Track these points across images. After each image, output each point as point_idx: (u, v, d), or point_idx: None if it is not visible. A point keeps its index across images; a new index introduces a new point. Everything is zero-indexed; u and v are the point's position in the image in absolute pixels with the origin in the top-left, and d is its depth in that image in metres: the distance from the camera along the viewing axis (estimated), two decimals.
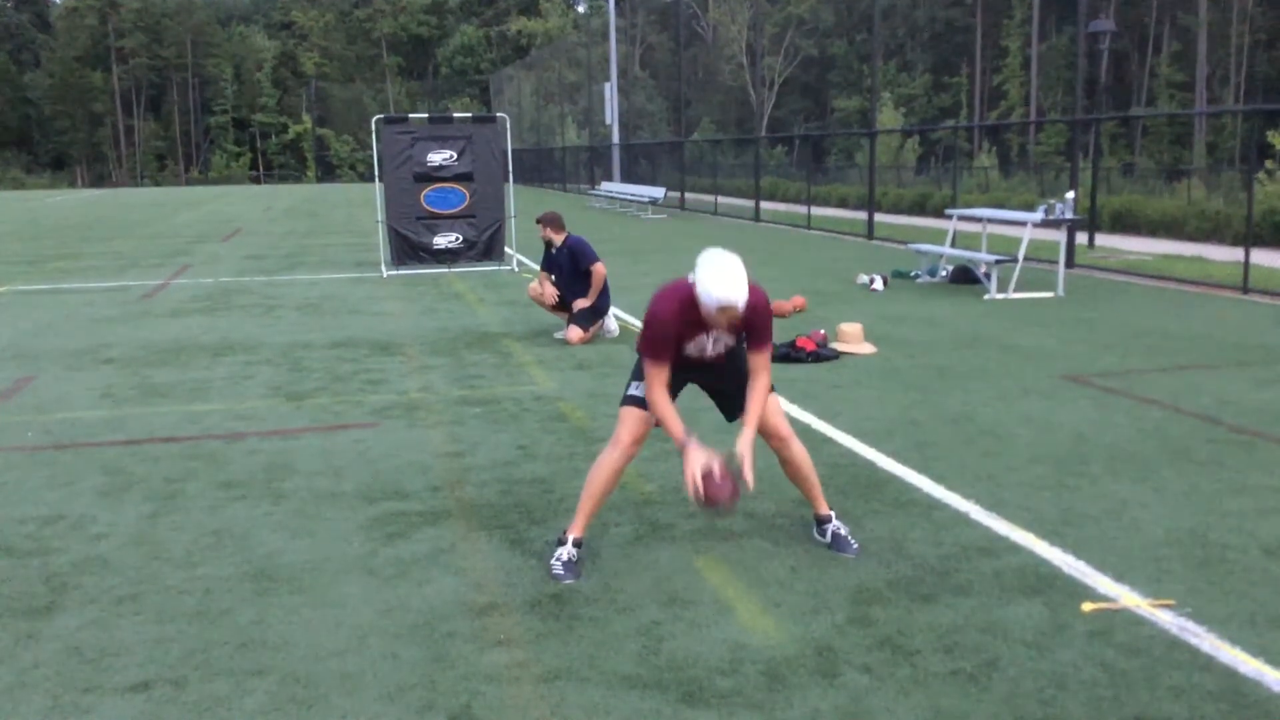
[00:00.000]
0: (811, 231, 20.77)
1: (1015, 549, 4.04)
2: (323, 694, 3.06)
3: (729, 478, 3.58)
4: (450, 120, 13.88)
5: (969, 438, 5.59)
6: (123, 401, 6.85)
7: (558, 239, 8.91)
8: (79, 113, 79.48)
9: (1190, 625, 3.37)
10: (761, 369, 3.82)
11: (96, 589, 3.83)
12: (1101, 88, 35.52)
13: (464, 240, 13.91)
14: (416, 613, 3.58)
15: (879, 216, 20.02)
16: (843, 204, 29.56)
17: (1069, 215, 11.24)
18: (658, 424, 3.81)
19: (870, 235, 18.80)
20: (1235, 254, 12.73)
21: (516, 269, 14.31)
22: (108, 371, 7.85)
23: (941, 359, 7.77)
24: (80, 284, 13.75)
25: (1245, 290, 11.12)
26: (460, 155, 13.66)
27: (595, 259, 8.76)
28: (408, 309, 10.90)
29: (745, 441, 3.71)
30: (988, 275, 11.12)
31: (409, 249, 13.79)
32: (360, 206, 33.12)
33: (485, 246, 14.03)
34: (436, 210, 13.74)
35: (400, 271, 13.92)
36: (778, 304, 10.05)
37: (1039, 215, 11.21)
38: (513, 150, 20.97)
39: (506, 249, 14.54)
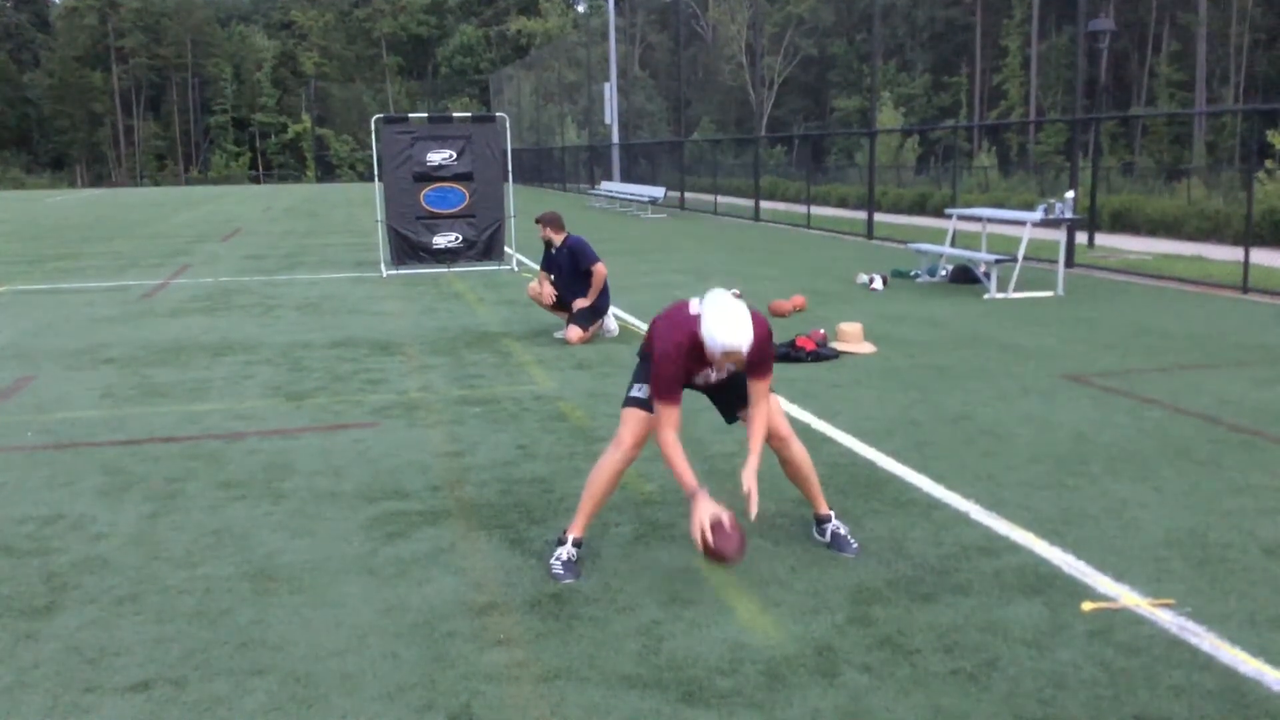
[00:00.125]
0: (811, 231, 20.77)
1: (1015, 548, 4.04)
2: (323, 693, 3.06)
3: (738, 529, 3.59)
4: (450, 120, 13.88)
5: (969, 437, 5.59)
6: (122, 401, 6.85)
7: (557, 239, 8.91)
8: (79, 113, 79.49)
9: (1190, 625, 3.38)
10: (762, 397, 3.84)
11: (96, 589, 3.83)
12: (1101, 87, 35.51)
13: (464, 240, 13.91)
14: (416, 612, 3.59)
15: (879, 216, 20.02)
16: (842, 204, 29.56)
17: (1069, 215, 11.24)
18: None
19: (870, 235, 18.80)
20: (1235, 253, 12.73)
21: (516, 269, 14.31)
22: (107, 371, 7.85)
23: (941, 358, 7.77)
24: (80, 284, 13.75)
25: (1245, 290, 11.12)
26: (460, 155, 13.66)
27: (596, 259, 8.76)
28: (407, 309, 10.90)
29: (750, 472, 3.73)
30: (987, 275, 11.12)
31: (409, 249, 13.79)
32: (360, 206, 33.12)
33: (485, 246, 14.03)
34: (436, 210, 13.74)
35: (400, 271, 13.92)
36: (777, 303, 10.06)
37: (1039, 215, 11.21)
38: (512, 150, 20.97)
39: (506, 249, 14.54)
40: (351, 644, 3.37)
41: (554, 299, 8.92)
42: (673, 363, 3.68)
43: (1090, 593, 3.64)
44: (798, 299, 10.28)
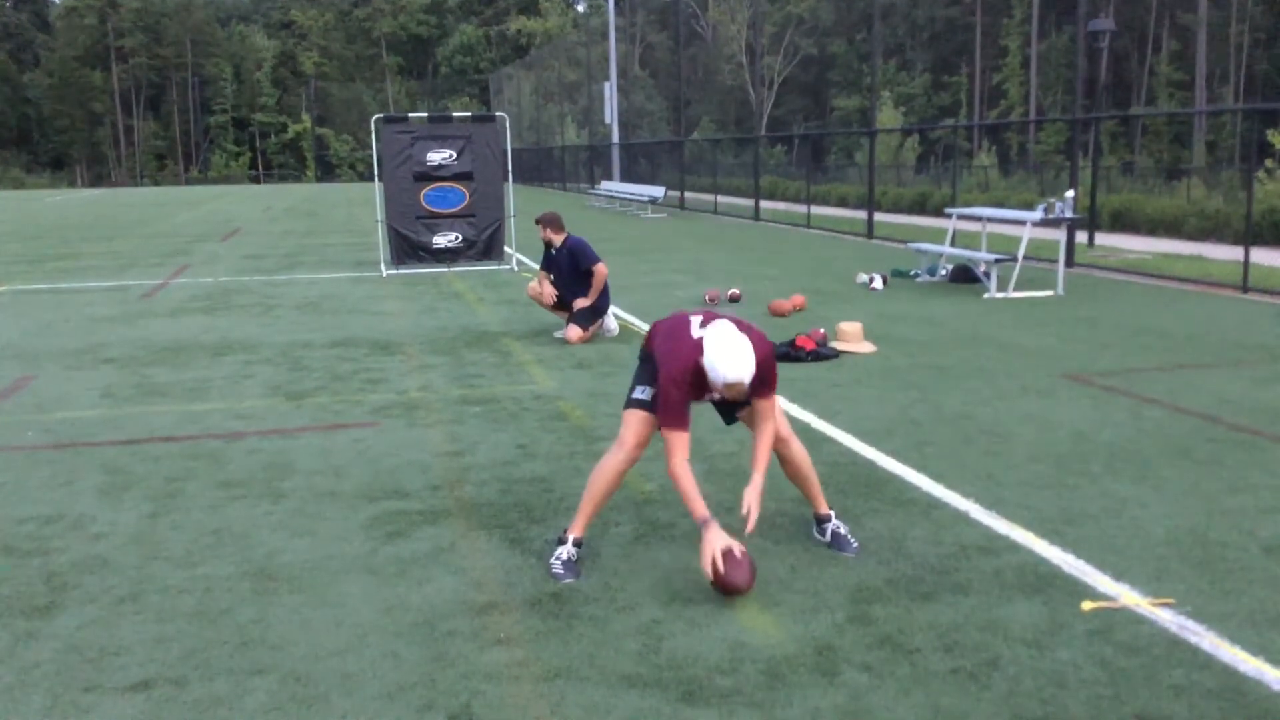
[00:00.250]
0: (811, 230, 20.77)
1: (1015, 548, 4.05)
2: (323, 693, 3.06)
3: (748, 559, 3.60)
4: (450, 119, 13.88)
5: (968, 436, 5.60)
6: (122, 401, 6.85)
7: (557, 239, 8.91)
8: (79, 112, 79.50)
9: (1190, 624, 3.38)
10: (767, 415, 3.85)
11: (96, 588, 3.83)
12: (1101, 87, 35.53)
13: (463, 239, 13.91)
14: (416, 612, 3.59)
15: (879, 215, 20.02)
16: (842, 203, 29.56)
17: (1068, 214, 11.24)
18: (659, 428, 3.81)
19: (870, 234, 18.80)
20: (1235, 253, 12.73)
21: (516, 268, 14.31)
22: (107, 371, 7.85)
23: (941, 358, 7.77)
24: (80, 283, 13.75)
25: (1245, 289, 11.12)
26: (460, 154, 13.66)
27: (596, 259, 8.76)
28: (407, 308, 10.90)
29: (754, 491, 3.74)
30: (987, 274, 11.12)
31: (409, 248, 13.79)
32: (360, 206, 33.12)
33: (485, 246, 14.03)
34: (436, 209, 13.74)
35: (400, 271, 13.92)
36: (777, 303, 10.05)
37: (1038, 214, 11.20)
38: (512, 149, 20.97)
39: (506, 248, 14.54)
40: (351, 643, 3.37)
41: (554, 298, 8.93)
42: (679, 389, 3.69)
43: (1090, 592, 3.64)
44: (797, 298, 10.28)
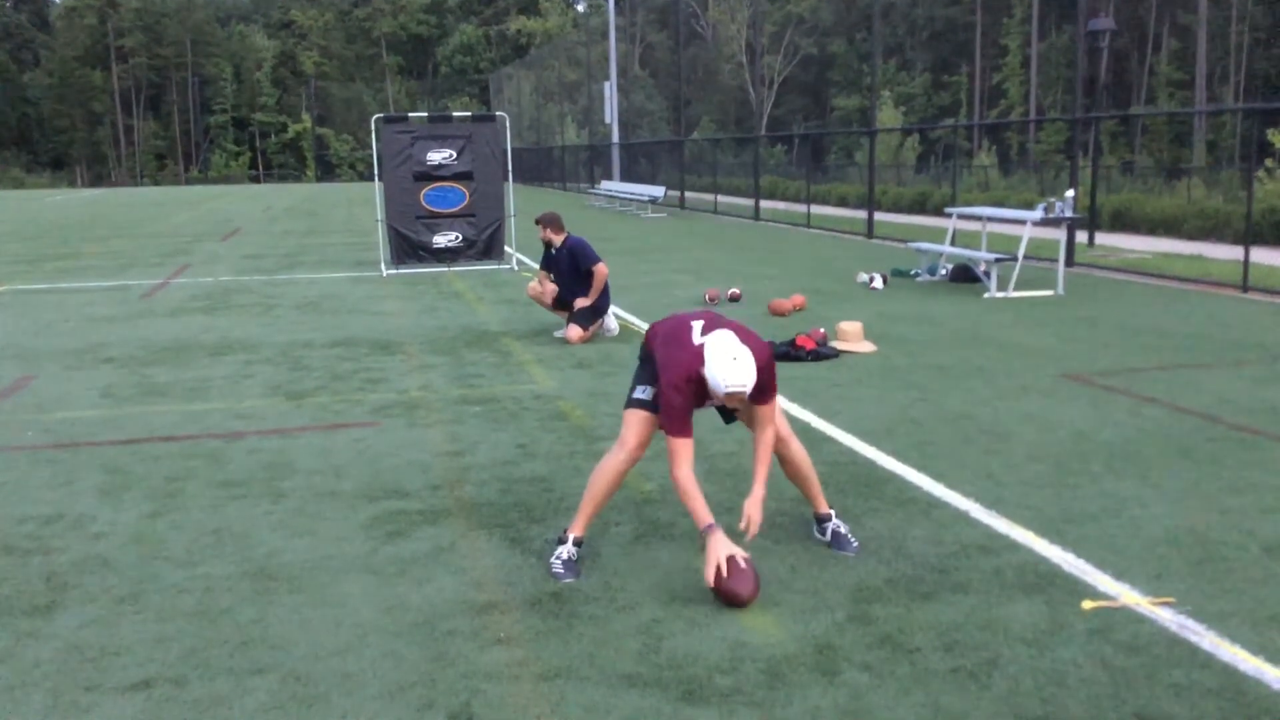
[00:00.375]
0: (811, 230, 20.77)
1: (1015, 547, 4.05)
2: (323, 692, 3.06)
3: (752, 568, 3.60)
4: (450, 119, 13.88)
5: (969, 436, 5.59)
6: (122, 400, 6.85)
7: (557, 239, 8.91)
8: (79, 112, 79.51)
9: (1190, 623, 3.38)
10: (767, 421, 3.85)
11: (97, 588, 3.83)
12: (1101, 86, 35.53)
13: (464, 239, 13.91)
14: (416, 611, 3.59)
15: (879, 215, 20.02)
16: (842, 203, 29.55)
17: (1069, 214, 11.23)
18: (660, 428, 3.82)
19: (870, 234, 18.80)
20: (1235, 252, 12.73)
21: (516, 268, 14.31)
22: (107, 371, 7.85)
23: (941, 357, 7.77)
24: (80, 283, 13.75)
25: (1245, 289, 11.12)
26: (460, 154, 13.66)
27: (596, 259, 8.76)
28: (407, 308, 10.90)
29: (755, 503, 3.75)
30: (987, 274, 11.12)
31: (409, 248, 13.79)
32: (360, 205, 33.12)
33: (485, 245, 14.03)
34: (436, 209, 13.74)
35: (400, 270, 13.92)
36: (777, 303, 10.05)
37: (1039, 214, 11.20)
38: (512, 149, 20.97)
39: (506, 248, 14.54)
40: (352, 643, 3.37)
41: (555, 298, 8.93)
42: (681, 396, 3.69)
43: (1090, 591, 3.64)
44: (797, 298, 10.28)
